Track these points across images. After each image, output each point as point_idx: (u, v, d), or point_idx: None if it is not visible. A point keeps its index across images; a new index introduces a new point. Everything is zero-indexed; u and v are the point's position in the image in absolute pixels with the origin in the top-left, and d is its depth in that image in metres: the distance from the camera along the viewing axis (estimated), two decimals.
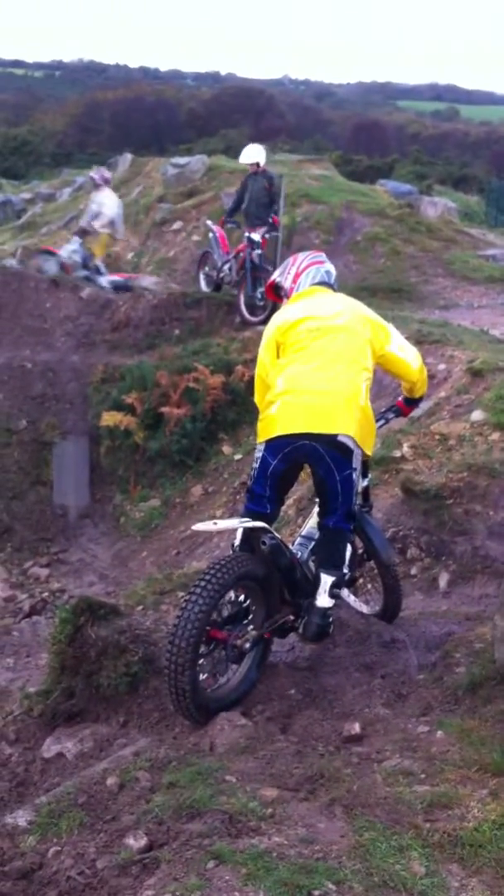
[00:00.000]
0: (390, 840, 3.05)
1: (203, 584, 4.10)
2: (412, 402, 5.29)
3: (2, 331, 13.27)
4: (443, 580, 6.39)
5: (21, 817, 3.50)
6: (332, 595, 4.61)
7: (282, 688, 4.63)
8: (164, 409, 11.47)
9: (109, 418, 11.65)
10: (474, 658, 4.59)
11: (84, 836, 3.29)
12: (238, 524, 4.51)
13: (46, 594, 9.78)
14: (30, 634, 7.61)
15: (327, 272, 5.02)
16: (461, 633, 5.06)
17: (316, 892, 2.75)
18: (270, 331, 4.81)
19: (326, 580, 4.59)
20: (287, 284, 5.04)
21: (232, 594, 4.42)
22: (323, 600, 4.59)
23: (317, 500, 4.87)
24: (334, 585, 4.61)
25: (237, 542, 4.63)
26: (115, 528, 11.44)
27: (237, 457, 10.94)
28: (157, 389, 11.67)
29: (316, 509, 5.00)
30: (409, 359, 4.88)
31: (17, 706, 4.97)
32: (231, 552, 4.63)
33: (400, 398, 5.31)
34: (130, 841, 3.12)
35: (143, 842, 3.11)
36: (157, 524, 10.96)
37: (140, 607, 7.35)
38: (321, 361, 4.53)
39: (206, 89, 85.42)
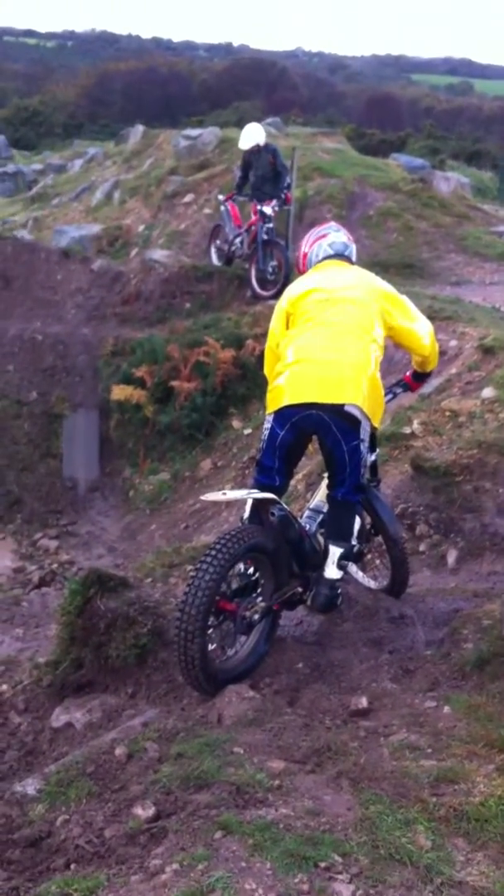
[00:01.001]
0: (396, 813, 3.06)
1: (212, 555, 4.11)
2: (420, 378, 5.27)
3: (13, 303, 13.25)
4: (451, 557, 6.39)
5: (30, 786, 3.53)
6: (340, 567, 4.65)
7: (290, 661, 4.65)
8: (175, 383, 11.46)
9: (119, 392, 11.65)
10: (482, 635, 4.59)
11: (92, 805, 3.31)
12: (246, 495, 4.52)
13: (55, 566, 9.82)
14: (39, 605, 7.64)
15: (343, 244, 5.00)
16: (469, 610, 5.06)
17: (322, 864, 2.77)
18: (282, 302, 4.83)
19: (335, 552, 4.63)
20: (300, 258, 5.09)
21: (241, 566, 4.43)
22: (331, 571, 4.63)
23: (325, 473, 4.88)
24: (342, 557, 4.65)
25: (246, 514, 4.64)
26: (124, 502, 11.47)
27: (247, 431, 10.93)
28: (167, 363, 11.66)
29: (324, 483, 5.00)
30: (420, 332, 4.85)
31: (27, 676, 5.01)
32: (240, 524, 4.64)
33: (408, 373, 5.29)
34: (138, 810, 3.15)
35: (150, 811, 3.13)
36: (166, 498, 10.98)
37: (149, 580, 7.38)
38: (330, 332, 4.52)
39: (219, 61, 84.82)
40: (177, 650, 4.14)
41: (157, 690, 4.54)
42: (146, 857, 2.89)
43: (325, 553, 4.66)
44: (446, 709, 3.93)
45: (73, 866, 2.96)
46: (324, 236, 5.03)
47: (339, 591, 4.74)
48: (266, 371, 4.94)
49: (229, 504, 9.15)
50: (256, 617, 4.47)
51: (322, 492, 5.08)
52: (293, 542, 4.60)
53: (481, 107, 66.94)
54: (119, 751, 3.65)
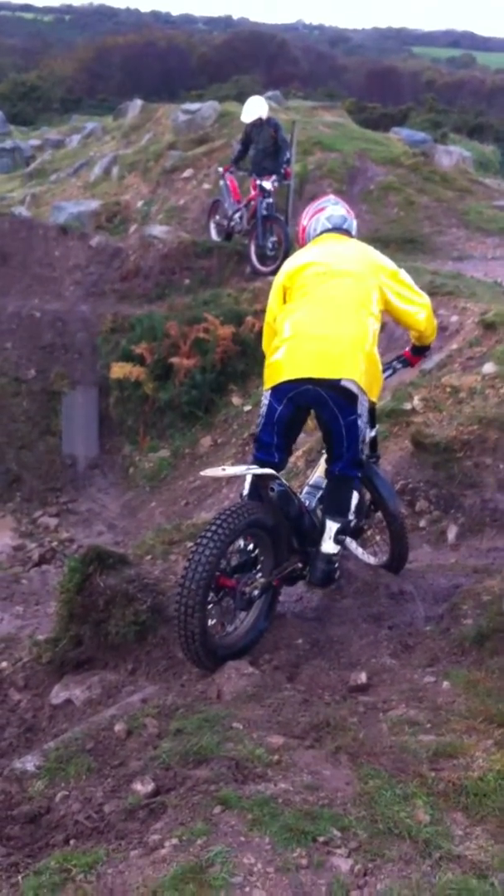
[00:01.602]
0: (395, 788, 3.07)
1: (212, 531, 4.10)
2: (420, 352, 5.23)
3: (11, 280, 13.18)
4: (451, 533, 6.39)
5: (29, 762, 3.54)
6: (337, 541, 4.64)
7: (289, 637, 4.65)
8: (174, 360, 11.42)
9: (119, 370, 11.61)
10: (482, 610, 4.59)
11: (91, 781, 3.32)
12: (246, 470, 4.51)
13: (55, 543, 9.82)
14: (39, 583, 7.66)
15: (341, 217, 4.95)
16: (469, 586, 5.06)
17: (321, 838, 2.78)
18: (279, 277, 4.79)
19: (332, 526, 4.62)
20: (300, 232, 5.07)
21: (241, 542, 4.43)
22: (328, 546, 4.62)
23: (324, 449, 4.86)
24: (339, 532, 4.65)
25: (245, 490, 4.64)
26: (124, 479, 11.46)
27: (247, 408, 10.91)
28: (166, 340, 11.61)
29: (324, 458, 4.99)
30: (418, 306, 4.81)
31: (26, 653, 5.01)
32: (240, 501, 4.63)
33: (408, 348, 5.26)
34: (137, 786, 3.15)
35: (150, 787, 3.13)
36: (166, 475, 10.97)
37: (149, 557, 7.37)
38: (327, 306, 4.49)
39: (218, 34, 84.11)
40: (177, 626, 4.14)
41: (157, 667, 4.55)
42: (145, 832, 2.90)
43: (322, 528, 4.65)
44: (445, 684, 3.94)
45: (72, 842, 2.97)
46: (322, 209, 4.99)
47: (337, 565, 4.73)
48: (264, 347, 4.91)
49: (229, 480, 9.14)
50: (256, 593, 4.47)
51: (321, 468, 5.07)
52: (292, 517, 4.58)
53: (483, 80, 66.42)
54: (118, 727, 3.66)
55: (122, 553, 5.42)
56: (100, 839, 2.93)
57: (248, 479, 4.60)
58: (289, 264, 4.78)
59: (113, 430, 11.99)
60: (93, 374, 12.19)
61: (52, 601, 6.02)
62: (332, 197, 5.23)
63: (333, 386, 4.39)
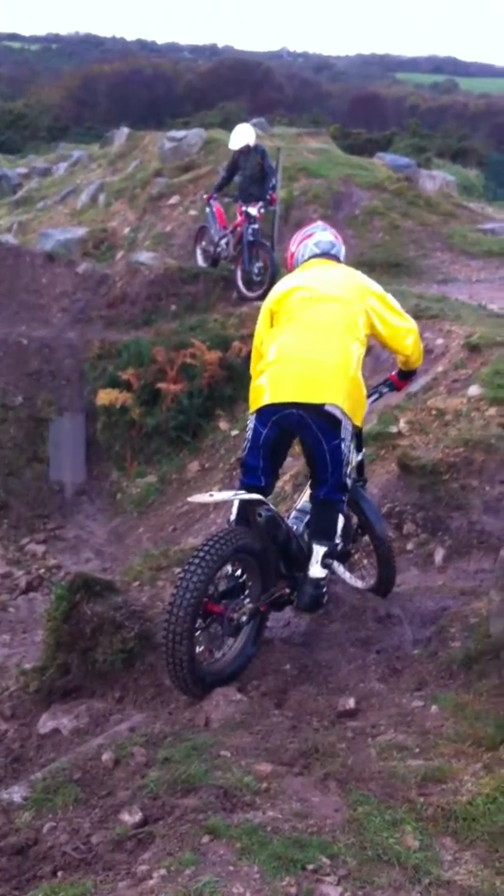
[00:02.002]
0: (384, 814, 3.06)
1: (200, 556, 4.10)
2: (406, 376, 5.27)
3: None
4: (438, 555, 6.39)
5: (16, 793, 3.51)
6: (324, 565, 4.62)
7: (277, 663, 4.64)
8: (161, 385, 11.44)
9: (106, 396, 11.62)
10: (469, 633, 4.59)
11: (79, 811, 3.29)
12: (233, 496, 4.51)
13: (43, 571, 9.78)
14: (26, 611, 7.63)
15: (329, 243, 5.02)
16: (456, 608, 5.06)
17: (310, 866, 2.76)
18: (267, 301, 4.84)
19: (318, 550, 4.60)
20: (288, 258, 5.14)
21: (228, 568, 4.42)
22: (315, 570, 4.60)
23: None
24: (326, 556, 4.62)
25: (233, 516, 4.64)
26: (111, 505, 11.44)
27: (234, 433, 10.92)
28: (153, 365, 11.63)
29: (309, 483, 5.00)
30: (405, 331, 4.86)
31: (14, 682, 4.99)
32: (227, 526, 4.62)
33: (394, 372, 5.29)
34: (125, 816, 3.13)
35: (137, 817, 3.11)
36: (153, 500, 10.96)
37: (136, 583, 7.34)
38: (312, 330, 4.53)
39: (204, 62, 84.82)
40: (164, 653, 4.12)
41: (145, 695, 4.53)
42: (133, 862, 2.87)
43: (309, 552, 4.64)
44: (434, 708, 3.93)
45: (59, 873, 2.94)
46: (310, 235, 5.05)
47: (325, 590, 4.71)
48: (252, 370, 4.91)
49: (217, 506, 9.13)
50: (244, 619, 4.46)
51: (308, 492, 5.07)
52: (280, 542, 4.57)
53: (466, 104, 67.15)
54: (106, 756, 3.63)
55: (110, 580, 5.40)
56: (87, 870, 2.91)
57: (236, 504, 4.61)
58: (277, 289, 4.84)
59: (100, 456, 11.99)
60: (80, 401, 12.20)
61: (39, 629, 5.99)
62: (320, 223, 5.30)
63: (317, 411, 4.40)
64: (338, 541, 4.74)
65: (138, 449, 11.67)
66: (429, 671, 4.42)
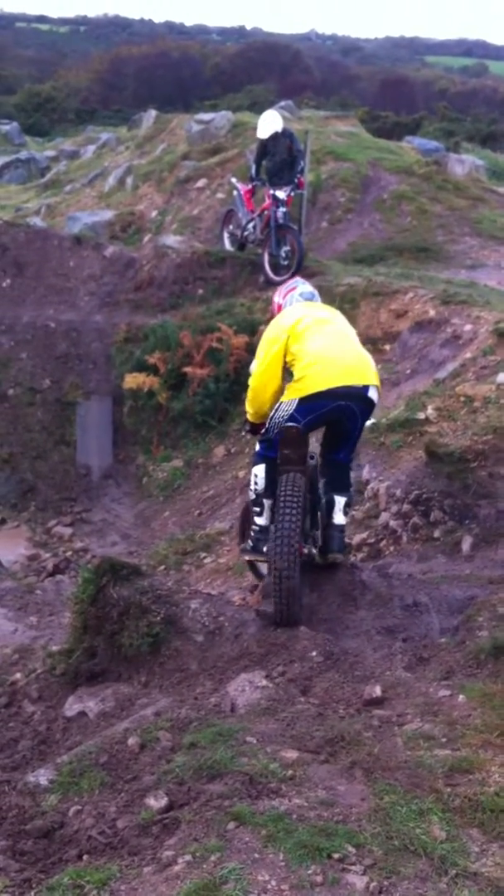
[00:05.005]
0: (410, 804, 3.04)
1: (292, 497, 4.73)
2: None
3: (26, 290, 13.23)
4: (466, 544, 6.35)
5: (42, 776, 3.53)
6: (345, 513, 5.33)
7: (303, 650, 4.62)
8: (188, 370, 11.43)
9: (132, 380, 11.63)
10: (497, 622, 4.56)
11: (105, 795, 3.30)
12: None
13: (69, 553, 9.83)
14: (53, 593, 7.64)
15: (310, 293, 5.69)
16: (484, 598, 5.02)
17: (335, 855, 2.75)
18: (276, 329, 5.25)
19: (340, 500, 5.30)
20: (275, 309, 5.72)
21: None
22: (339, 517, 5.28)
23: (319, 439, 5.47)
24: (346, 504, 5.35)
25: (262, 484, 5.26)
26: (137, 489, 11.47)
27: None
28: (180, 349, 11.63)
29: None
30: None
31: (40, 664, 5.01)
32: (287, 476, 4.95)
33: None
34: (151, 801, 3.13)
35: (163, 802, 3.12)
36: (179, 485, 10.97)
37: (162, 567, 7.37)
38: (336, 337, 5.16)
39: (232, 44, 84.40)
40: (275, 586, 4.69)
41: (170, 679, 4.53)
42: (159, 848, 2.88)
43: (332, 504, 5.28)
44: (461, 697, 3.90)
45: (85, 857, 2.95)
46: (294, 288, 5.71)
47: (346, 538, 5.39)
48: (261, 383, 5.28)
49: (243, 489, 9.12)
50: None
51: None
52: (315, 490, 5.20)
53: (496, 88, 66.22)
54: (132, 740, 3.64)
55: (136, 564, 5.41)
56: (113, 855, 2.92)
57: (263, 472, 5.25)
58: (282, 320, 5.31)
59: (127, 439, 12.01)
60: (107, 384, 12.21)
61: (66, 612, 6.01)
62: (298, 278, 6.12)
63: (364, 398, 5.02)
64: (352, 492, 5.50)
65: (164, 433, 11.68)
66: (456, 660, 4.39)
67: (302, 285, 5.77)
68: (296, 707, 3.93)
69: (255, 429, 5.59)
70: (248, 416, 5.57)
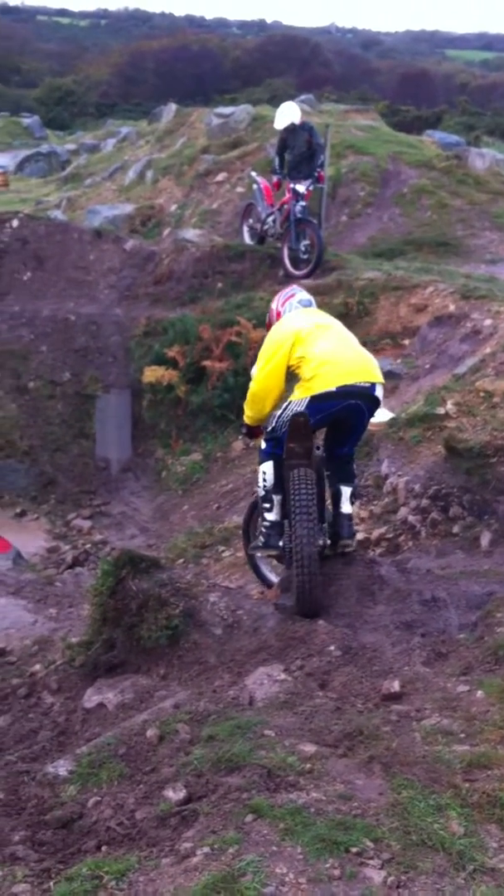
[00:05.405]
0: (429, 799, 3.04)
1: (305, 490, 4.94)
2: None
3: (46, 283, 13.27)
4: (485, 539, 6.32)
5: (62, 767, 3.55)
6: (351, 502, 5.51)
7: (321, 644, 4.62)
8: (207, 363, 11.43)
9: (152, 373, 11.65)
10: None
11: (123, 786, 3.32)
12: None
13: (89, 546, 9.86)
14: (72, 585, 7.68)
15: (308, 300, 5.86)
16: (503, 593, 5.01)
17: (353, 849, 2.75)
18: (279, 335, 5.42)
19: (346, 490, 5.47)
20: (274, 316, 5.88)
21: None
22: (346, 507, 5.45)
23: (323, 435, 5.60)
24: (352, 494, 5.52)
25: (270, 481, 5.34)
26: (156, 482, 11.49)
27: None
28: (199, 343, 11.63)
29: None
30: None
31: (60, 656, 5.04)
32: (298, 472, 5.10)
33: None
34: (169, 793, 3.15)
35: (181, 794, 3.13)
36: (198, 478, 10.98)
37: (181, 560, 7.37)
38: (340, 338, 5.34)
39: (252, 38, 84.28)
40: (298, 573, 4.85)
41: (189, 672, 4.54)
42: (177, 839, 2.89)
43: (338, 494, 5.44)
44: (479, 693, 3.89)
45: (104, 848, 2.97)
46: (292, 295, 5.85)
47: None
48: (264, 387, 5.46)
49: None
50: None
51: None
52: (321, 482, 5.33)
53: None
54: (151, 732, 3.66)
55: (155, 557, 5.43)
56: (131, 846, 2.93)
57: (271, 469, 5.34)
58: (285, 325, 5.49)
59: (146, 433, 12.03)
60: (126, 378, 12.24)
61: (85, 604, 6.03)
62: (295, 286, 6.20)
63: (371, 398, 5.16)
64: (356, 481, 5.67)
65: (183, 427, 11.70)
66: (474, 656, 4.38)
67: (300, 292, 5.94)
68: (314, 701, 3.94)
69: (251, 432, 5.85)
70: (246, 419, 5.75)
